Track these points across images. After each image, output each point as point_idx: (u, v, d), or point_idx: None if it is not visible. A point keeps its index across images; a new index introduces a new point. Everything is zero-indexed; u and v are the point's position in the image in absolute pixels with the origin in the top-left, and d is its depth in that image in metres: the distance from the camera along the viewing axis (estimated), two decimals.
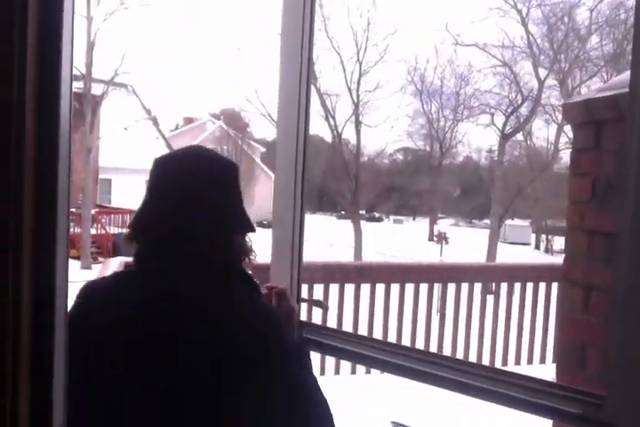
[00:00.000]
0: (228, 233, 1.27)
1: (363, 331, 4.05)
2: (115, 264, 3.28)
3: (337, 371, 4.02)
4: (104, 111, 24.77)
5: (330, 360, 4.01)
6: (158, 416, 1.06)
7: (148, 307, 1.11)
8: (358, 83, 24.60)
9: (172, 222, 1.20)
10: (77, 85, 25.15)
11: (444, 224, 42.06)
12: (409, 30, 34.97)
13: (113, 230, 21.92)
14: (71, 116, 0.63)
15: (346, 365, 4.01)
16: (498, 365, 4.37)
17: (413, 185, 37.55)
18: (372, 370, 4.07)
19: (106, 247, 20.55)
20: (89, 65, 22.21)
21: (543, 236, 33.86)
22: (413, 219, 49.40)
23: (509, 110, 23.93)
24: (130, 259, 4.08)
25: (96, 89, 23.20)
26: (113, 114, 26.95)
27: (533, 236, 36.27)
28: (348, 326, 3.99)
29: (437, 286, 4.24)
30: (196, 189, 1.23)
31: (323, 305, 1.78)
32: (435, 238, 32.20)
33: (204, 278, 1.17)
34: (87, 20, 21.87)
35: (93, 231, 21.08)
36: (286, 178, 1.61)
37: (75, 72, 17.74)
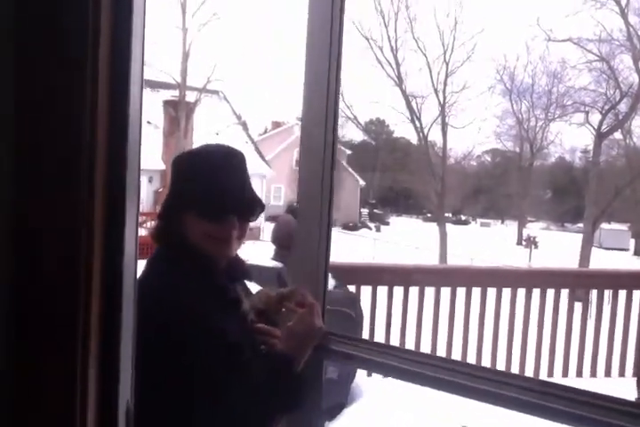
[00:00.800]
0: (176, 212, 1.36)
1: (442, 335, 4.02)
2: None
3: None
4: (197, 117, 25.75)
5: None
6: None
7: None
8: (445, 84, 24.23)
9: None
10: (173, 93, 26.36)
11: (533, 228, 40.50)
12: (497, 28, 34.11)
13: None
14: (141, 120, 0.69)
15: None
16: (586, 375, 4.19)
17: (502, 187, 36.45)
18: None
19: None
20: (184, 73, 23.21)
21: None
22: (502, 222, 47.90)
23: (606, 108, 22.74)
24: None
25: (190, 96, 24.19)
26: (206, 119, 27.97)
27: (632, 241, 34.21)
28: (426, 330, 3.97)
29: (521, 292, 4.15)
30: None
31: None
32: (523, 242, 31.08)
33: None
34: (182, 32, 22.89)
35: None
36: (311, 183, 1.58)
37: (170, 81, 18.35)
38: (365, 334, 3.83)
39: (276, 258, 3.15)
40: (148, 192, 25.72)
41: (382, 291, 3.94)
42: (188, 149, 1.41)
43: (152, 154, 25.69)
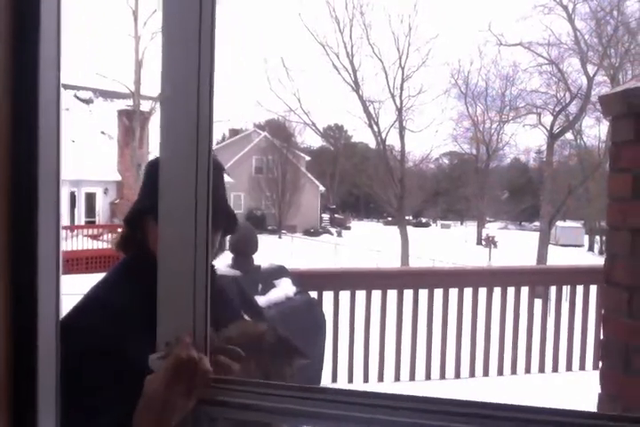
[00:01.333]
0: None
1: (405, 336, 4.00)
2: None
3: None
4: (153, 126, 25.40)
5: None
6: None
7: None
8: (401, 88, 24.49)
9: None
10: (127, 103, 25.93)
11: (492, 228, 41.26)
12: (451, 33, 34.78)
13: None
14: (59, 130, 0.62)
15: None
16: (545, 370, 4.24)
17: (460, 189, 37.06)
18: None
19: None
20: (137, 82, 22.86)
21: (597, 237, 32.79)
22: (461, 223, 48.66)
23: (557, 109, 23.35)
24: None
25: (145, 105, 23.85)
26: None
27: (586, 237, 35.18)
28: (389, 333, 3.95)
29: (482, 291, 4.17)
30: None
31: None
32: (483, 242, 31.60)
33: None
34: (135, 40, 22.57)
35: None
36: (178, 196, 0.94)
37: (124, 90, 17.96)
38: (329, 339, 3.79)
39: (234, 266, 3.08)
40: (103, 204, 25.19)
41: (345, 295, 3.90)
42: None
43: (107, 165, 25.22)
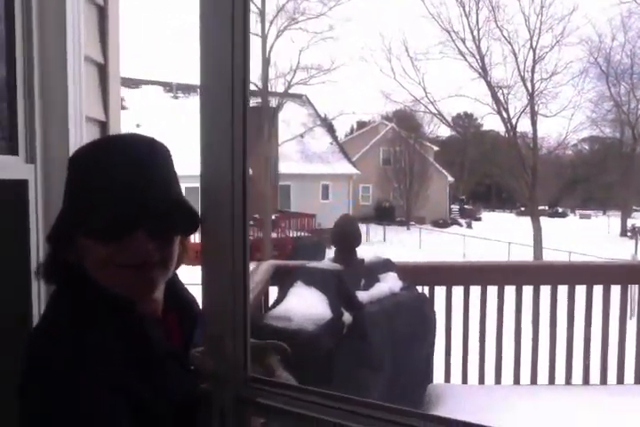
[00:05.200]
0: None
1: (526, 336, 3.71)
2: (264, 267, 3.33)
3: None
4: (281, 121, 26.15)
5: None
6: None
7: None
8: (532, 71, 23.17)
9: None
10: (255, 100, 26.92)
11: (639, 218, 37.88)
12: (589, 7, 31.99)
13: (292, 234, 23.01)
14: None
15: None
16: None
17: (602, 176, 34.42)
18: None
19: (286, 250, 21.56)
20: (265, 80, 23.60)
21: None
22: (603, 213, 45.17)
23: None
24: (283, 262, 4.18)
25: (274, 102, 24.62)
26: (290, 123, 28.35)
27: None
28: (507, 332, 3.69)
29: (630, 288, 3.75)
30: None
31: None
32: (628, 234, 29.14)
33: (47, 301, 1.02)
34: (262, 39, 23.30)
35: (274, 235, 22.26)
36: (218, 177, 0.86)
37: (252, 87, 18.72)
38: (441, 337, 3.61)
39: (336, 260, 3.00)
40: None
41: (458, 291, 3.70)
42: (85, 144, 1.00)
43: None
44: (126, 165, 0.92)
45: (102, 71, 1.55)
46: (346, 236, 3.01)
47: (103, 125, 1.56)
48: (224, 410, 0.82)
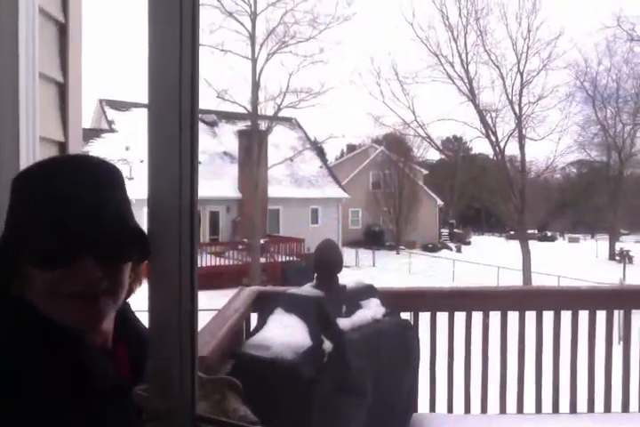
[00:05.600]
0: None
1: (512, 365, 3.65)
2: (246, 293, 3.27)
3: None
4: (270, 144, 26.24)
5: None
6: None
7: None
8: (520, 95, 23.50)
9: None
10: (246, 123, 27.04)
11: (628, 241, 38.06)
12: (574, 32, 32.64)
13: (282, 259, 22.88)
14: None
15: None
16: None
17: (590, 200, 34.68)
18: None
19: (275, 275, 21.43)
20: (254, 103, 23.73)
21: None
22: (592, 237, 45.39)
23: None
24: (265, 288, 4.12)
25: (262, 125, 24.72)
26: (279, 146, 28.45)
27: None
28: (493, 360, 3.63)
29: (618, 313, 3.71)
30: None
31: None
32: (616, 257, 29.22)
33: None
34: (251, 62, 23.50)
35: (263, 260, 22.13)
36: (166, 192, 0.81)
37: (242, 110, 18.85)
38: (426, 365, 3.55)
39: (317, 286, 2.95)
40: (226, 222, 26.29)
41: (442, 317, 3.65)
42: (31, 165, 0.96)
43: (230, 184, 26.37)
44: (71, 187, 0.87)
45: (61, 90, 1.51)
46: (327, 261, 2.96)
47: (62, 146, 1.52)
48: None
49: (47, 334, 0.85)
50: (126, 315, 1.02)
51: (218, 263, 21.63)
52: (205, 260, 21.23)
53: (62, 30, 1.52)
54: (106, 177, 0.92)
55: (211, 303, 3.16)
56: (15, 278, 0.88)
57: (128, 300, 0.97)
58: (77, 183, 0.87)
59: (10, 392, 0.77)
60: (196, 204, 0.75)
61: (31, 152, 1.30)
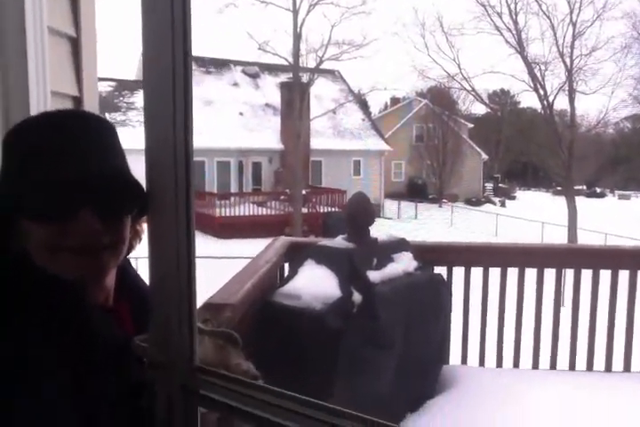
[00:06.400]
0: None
1: (547, 321, 3.60)
2: (279, 243, 3.27)
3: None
4: (313, 97, 25.93)
5: None
6: None
7: None
8: (572, 47, 22.35)
9: None
10: (286, 75, 26.71)
11: None
12: None
13: (323, 209, 22.99)
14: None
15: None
16: None
17: None
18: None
19: (316, 225, 21.57)
20: (296, 55, 23.32)
21: None
22: None
23: None
24: (298, 239, 4.11)
25: (304, 78, 24.37)
26: (322, 99, 28.09)
27: None
28: (527, 314, 3.59)
29: None
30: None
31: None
32: None
33: None
34: (293, 14, 22.95)
35: (305, 211, 22.27)
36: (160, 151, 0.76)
37: (283, 62, 18.70)
38: (459, 319, 3.53)
39: (349, 239, 2.93)
40: (268, 172, 26.42)
41: (477, 272, 3.60)
42: (22, 120, 0.92)
43: (272, 135, 26.35)
44: (63, 139, 0.84)
45: (75, 44, 1.48)
46: (358, 214, 2.93)
47: (77, 100, 1.50)
48: (170, 400, 0.77)
49: (48, 290, 0.83)
50: (127, 271, 1.00)
51: (260, 213, 21.94)
52: (248, 209, 21.56)
53: None
54: (98, 130, 0.89)
55: (253, 251, 3.19)
56: (14, 234, 0.86)
57: (128, 256, 0.95)
58: (68, 135, 0.85)
59: (10, 350, 0.76)
60: (191, 155, 0.72)
61: (42, 106, 1.28)
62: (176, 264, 0.73)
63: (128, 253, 0.93)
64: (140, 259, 0.82)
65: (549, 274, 3.62)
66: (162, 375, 0.76)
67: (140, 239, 0.94)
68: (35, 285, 0.83)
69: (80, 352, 0.80)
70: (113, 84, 25.31)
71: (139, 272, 1.04)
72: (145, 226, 0.91)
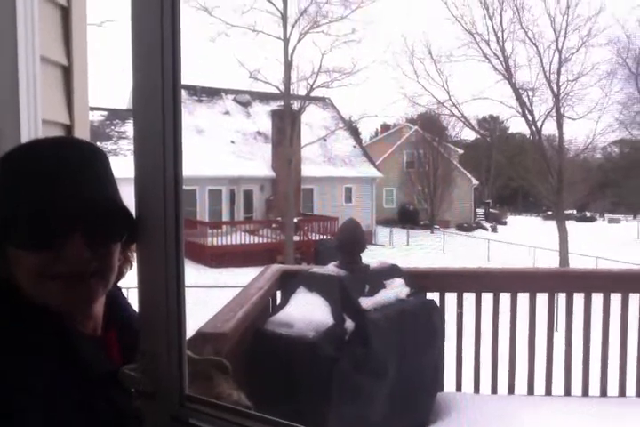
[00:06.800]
0: None
1: (540, 347, 3.59)
2: (271, 271, 3.26)
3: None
4: (304, 124, 26.14)
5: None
6: None
7: None
8: (558, 73, 22.75)
9: None
10: (279, 103, 26.96)
11: None
12: (616, 7, 31.12)
13: (315, 237, 22.96)
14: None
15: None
16: None
17: (632, 180, 33.62)
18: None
19: (309, 253, 21.50)
20: (287, 83, 23.58)
21: None
22: (634, 217, 44.18)
23: None
24: (290, 267, 4.11)
25: (295, 105, 24.60)
26: (312, 126, 28.32)
27: None
28: (521, 340, 3.57)
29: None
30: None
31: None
32: None
33: None
34: (283, 42, 23.29)
35: (297, 238, 22.22)
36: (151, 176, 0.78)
37: (274, 91, 18.79)
38: (452, 345, 3.51)
39: (340, 266, 2.93)
40: (260, 200, 26.44)
41: (470, 297, 3.59)
42: (13, 147, 0.93)
43: (263, 163, 26.47)
44: (54, 166, 0.84)
45: (66, 73, 1.50)
46: (349, 241, 2.93)
47: (68, 128, 1.51)
48: None
49: (35, 319, 0.82)
50: (117, 299, 0.98)
51: (252, 242, 21.86)
52: (240, 238, 21.48)
53: (65, 14, 1.50)
54: (90, 157, 0.89)
55: (245, 280, 3.18)
56: (1, 261, 0.85)
57: (118, 283, 0.94)
58: (60, 162, 0.85)
59: None
60: (181, 183, 0.72)
61: (33, 134, 1.29)
62: (165, 292, 0.74)
63: (118, 280, 0.93)
64: (132, 289, 0.82)
65: (542, 298, 3.62)
66: (150, 405, 0.75)
67: (131, 266, 0.93)
68: (22, 313, 0.82)
69: (67, 382, 0.79)
70: (105, 113, 25.43)
71: (129, 301, 1.03)
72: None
